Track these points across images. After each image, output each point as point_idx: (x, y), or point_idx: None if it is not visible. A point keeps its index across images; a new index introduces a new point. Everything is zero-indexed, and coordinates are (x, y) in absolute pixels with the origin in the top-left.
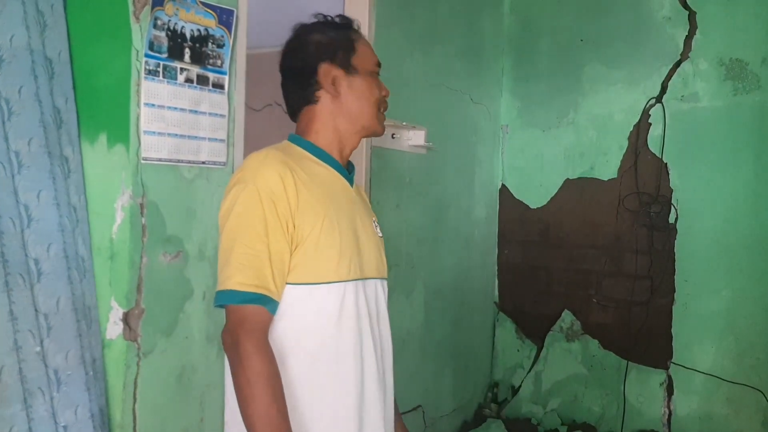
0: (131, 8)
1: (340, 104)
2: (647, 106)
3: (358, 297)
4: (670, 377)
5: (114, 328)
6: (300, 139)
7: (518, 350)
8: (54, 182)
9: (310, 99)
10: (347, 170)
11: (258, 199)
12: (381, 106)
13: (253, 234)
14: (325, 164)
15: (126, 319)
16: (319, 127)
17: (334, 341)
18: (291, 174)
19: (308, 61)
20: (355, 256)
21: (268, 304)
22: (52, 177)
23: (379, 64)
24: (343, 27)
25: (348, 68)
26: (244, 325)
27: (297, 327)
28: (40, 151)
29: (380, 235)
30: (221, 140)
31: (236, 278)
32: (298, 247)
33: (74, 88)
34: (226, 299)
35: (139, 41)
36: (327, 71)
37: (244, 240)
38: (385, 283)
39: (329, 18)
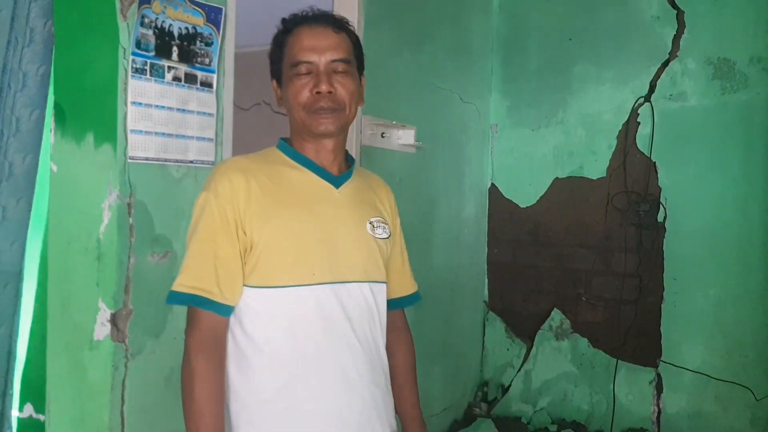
0: (118, 6)
1: (288, 115)
2: (636, 105)
3: (328, 301)
4: (659, 375)
5: (101, 330)
6: (284, 144)
7: (508, 349)
8: None
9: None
10: (333, 172)
11: (209, 206)
12: (313, 105)
13: (201, 239)
14: (303, 168)
15: (114, 320)
16: (292, 134)
17: (295, 345)
18: (245, 180)
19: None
20: (322, 260)
21: (207, 305)
22: None
23: (301, 61)
24: (280, 32)
25: (280, 80)
26: (188, 325)
27: (257, 329)
28: None
29: (383, 236)
30: (209, 139)
31: (178, 280)
32: (252, 251)
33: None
34: (168, 299)
35: (126, 39)
36: (274, 89)
37: (193, 244)
38: (378, 285)
39: (284, 19)
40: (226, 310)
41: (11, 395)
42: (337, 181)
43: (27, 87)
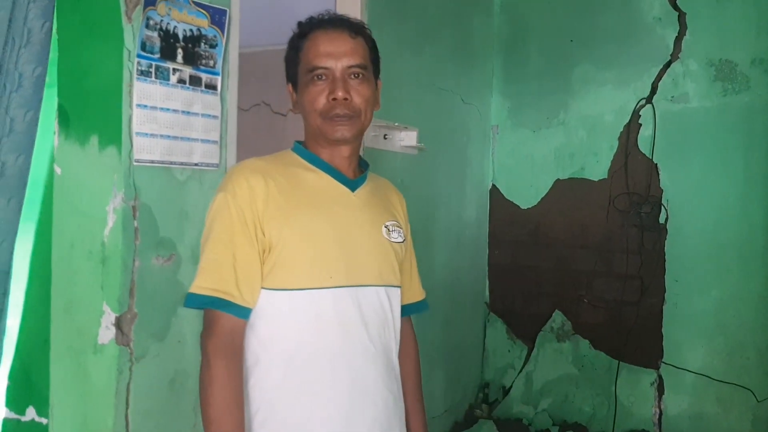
0: (123, 8)
1: (303, 119)
2: (637, 106)
3: (344, 304)
4: (660, 377)
5: (106, 333)
6: (300, 147)
7: (509, 351)
8: None
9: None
10: (349, 176)
11: (227, 207)
12: (329, 111)
13: (219, 240)
14: (319, 171)
15: (118, 323)
16: (307, 138)
17: (310, 348)
18: (263, 182)
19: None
20: (339, 264)
21: (227, 307)
22: None
23: (317, 67)
24: (296, 36)
25: (296, 84)
26: (206, 329)
27: (271, 332)
28: None
29: (398, 240)
30: (214, 141)
31: (197, 282)
32: (270, 253)
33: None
34: (187, 302)
35: (131, 41)
36: (289, 92)
37: (210, 245)
38: (393, 290)
39: (300, 23)
40: (245, 313)
41: None
42: (353, 185)
43: (22, 88)
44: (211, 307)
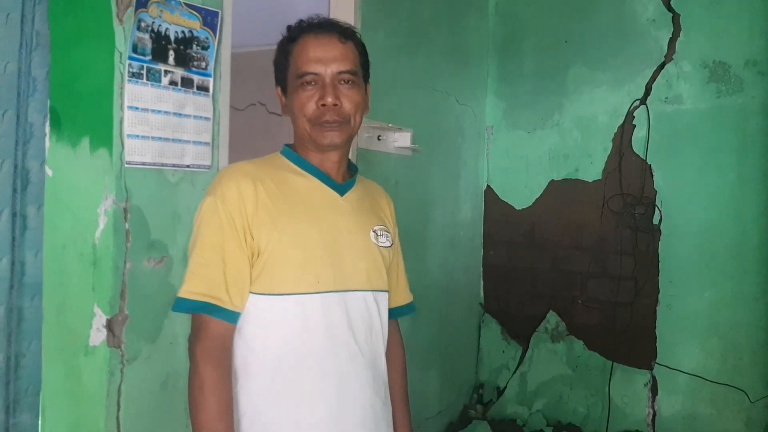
0: (114, 10)
1: (292, 123)
2: (631, 107)
3: (331, 310)
4: (654, 378)
5: (97, 335)
6: (289, 150)
7: (503, 351)
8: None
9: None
10: (338, 180)
11: (216, 211)
12: (319, 118)
13: (208, 244)
14: (308, 175)
15: (109, 325)
16: (296, 142)
17: (297, 352)
18: (252, 186)
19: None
20: (327, 268)
21: (217, 312)
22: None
23: (307, 72)
24: (285, 40)
25: (285, 88)
26: (195, 333)
27: (259, 337)
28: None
29: (386, 245)
30: (206, 143)
31: (186, 286)
32: (258, 257)
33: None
34: (176, 306)
35: (122, 43)
36: (278, 96)
37: (199, 250)
38: (380, 294)
39: (290, 27)
40: (234, 317)
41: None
42: (341, 189)
43: (38, 91)
44: (200, 311)
